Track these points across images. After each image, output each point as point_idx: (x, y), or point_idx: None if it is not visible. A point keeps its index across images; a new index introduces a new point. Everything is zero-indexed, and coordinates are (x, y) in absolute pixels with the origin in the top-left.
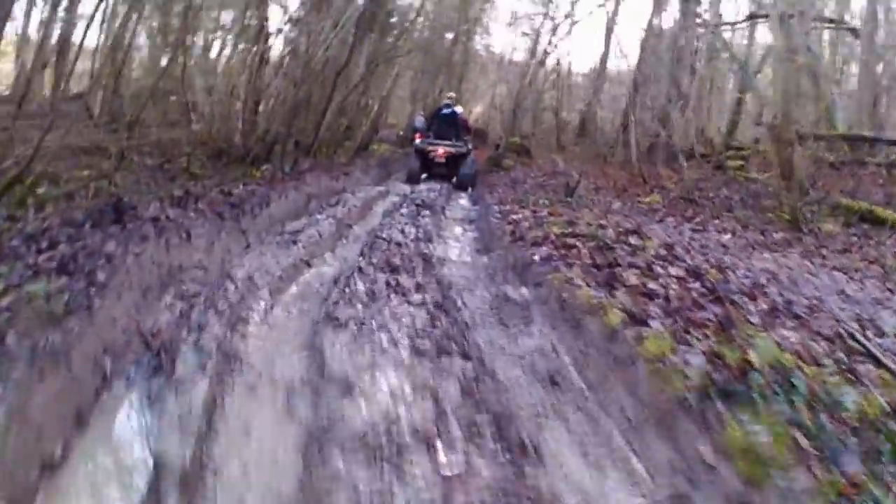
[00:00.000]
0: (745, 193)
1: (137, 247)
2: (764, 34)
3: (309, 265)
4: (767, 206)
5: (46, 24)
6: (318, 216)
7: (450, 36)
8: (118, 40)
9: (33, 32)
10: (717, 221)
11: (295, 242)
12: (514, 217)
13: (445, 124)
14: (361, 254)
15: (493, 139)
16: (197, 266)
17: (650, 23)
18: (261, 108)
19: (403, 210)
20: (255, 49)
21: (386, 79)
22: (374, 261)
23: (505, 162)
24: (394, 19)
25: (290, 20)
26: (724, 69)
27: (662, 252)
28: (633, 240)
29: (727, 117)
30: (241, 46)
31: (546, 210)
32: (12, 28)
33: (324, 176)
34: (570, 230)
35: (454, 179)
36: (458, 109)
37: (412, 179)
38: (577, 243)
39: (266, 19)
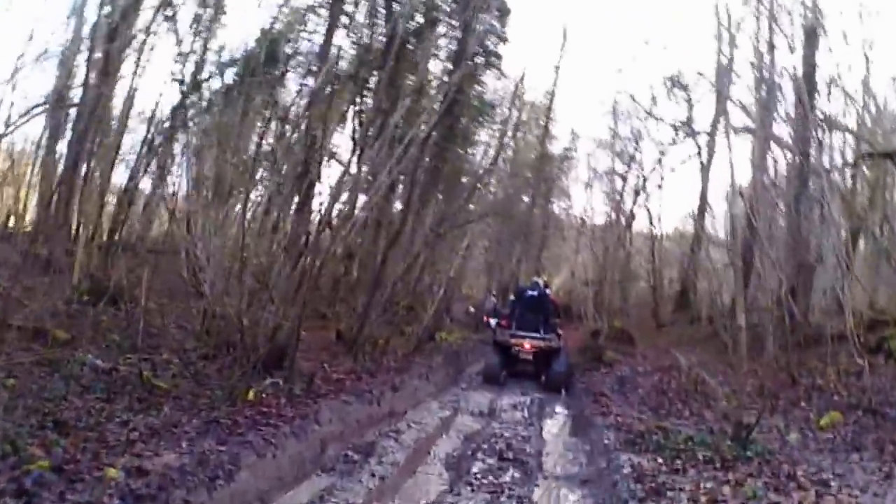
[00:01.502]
0: None
1: None
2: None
3: None
4: None
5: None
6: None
7: (526, 199)
8: None
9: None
10: None
11: None
12: (666, 489)
13: (532, 310)
14: None
15: (586, 323)
16: None
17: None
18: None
19: (477, 465)
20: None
21: (455, 248)
22: None
23: (607, 354)
24: (464, 179)
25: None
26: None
27: None
28: None
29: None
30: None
31: (713, 473)
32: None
33: (363, 389)
34: None
35: (543, 378)
36: (548, 291)
37: (491, 379)
38: None
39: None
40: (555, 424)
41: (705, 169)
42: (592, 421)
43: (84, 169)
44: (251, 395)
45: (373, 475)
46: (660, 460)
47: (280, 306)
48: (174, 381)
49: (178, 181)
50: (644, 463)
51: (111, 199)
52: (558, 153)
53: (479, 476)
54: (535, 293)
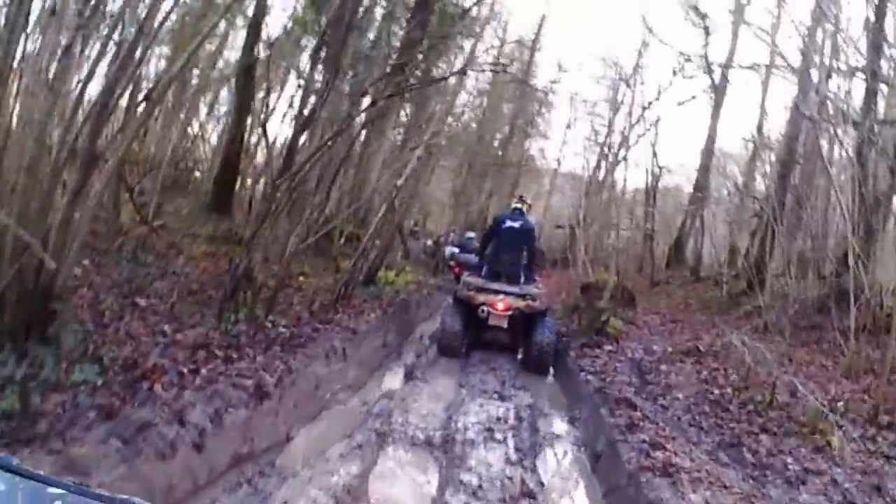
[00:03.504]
0: None
1: None
2: None
3: None
4: None
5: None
6: None
7: (500, 136)
8: None
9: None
10: None
11: None
12: None
13: (511, 248)
14: None
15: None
16: None
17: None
18: None
19: None
20: None
21: (405, 157)
22: None
23: (612, 324)
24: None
25: None
26: None
27: None
28: None
29: None
30: None
31: None
32: None
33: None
34: None
35: (521, 352)
36: (533, 220)
37: (449, 350)
38: None
39: None
40: (569, 485)
41: (716, 108)
42: (635, 477)
43: None
44: None
45: None
46: None
47: None
48: None
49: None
50: None
51: None
52: (543, 86)
53: None
54: (517, 224)
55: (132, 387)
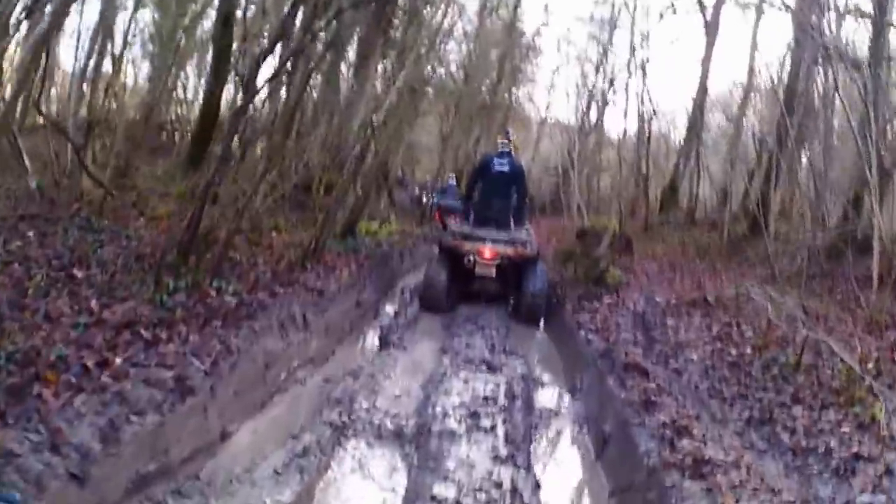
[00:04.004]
0: None
1: None
2: None
3: None
4: None
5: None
6: None
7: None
8: None
9: None
10: None
11: None
12: None
13: (500, 191)
14: None
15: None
16: None
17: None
18: None
19: None
20: None
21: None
22: None
23: (611, 273)
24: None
25: None
26: None
27: None
28: None
29: None
30: None
31: None
32: None
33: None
34: None
35: (512, 302)
36: (521, 162)
37: (432, 304)
38: None
39: None
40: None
41: (709, 46)
42: (657, 476)
43: None
44: None
45: None
46: None
47: None
48: None
49: None
50: None
51: None
52: (530, 32)
53: None
54: (505, 165)
55: (19, 393)
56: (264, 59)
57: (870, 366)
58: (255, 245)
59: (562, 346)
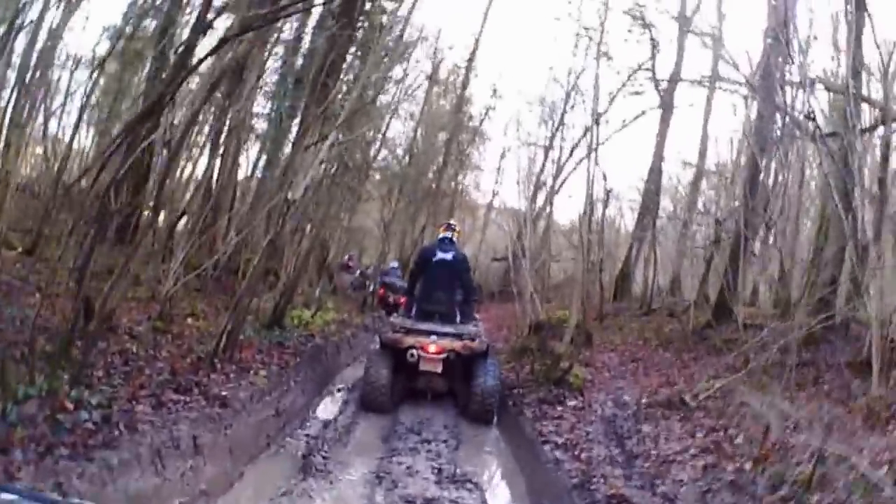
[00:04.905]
0: None
1: None
2: None
3: None
4: None
5: None
6: None
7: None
8: None
9: None
10: None
11: None
12: None
13: (443, 283)
14: None
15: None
16: None
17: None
18: None
19: None
20: None
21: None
22: None
23: (574, 373)
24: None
25: None
26: None
27: None
28: None
29: None
30: None
31: None
32: None
33: None
34: None
35: (461, 400)
36: (464, 252)
37: (373, 404)
38: None
39: None
40: None
41: (664, 123)
42: None
43: None
44: None
45: None
46: None
47: None
48: None
49: None
50: None
51: None
52: (477, 114)
53: None
54: (448, 255)
55: None
56: (144, 120)
57: (884, 471)
58: (163, 333)
59: (524, 465)
